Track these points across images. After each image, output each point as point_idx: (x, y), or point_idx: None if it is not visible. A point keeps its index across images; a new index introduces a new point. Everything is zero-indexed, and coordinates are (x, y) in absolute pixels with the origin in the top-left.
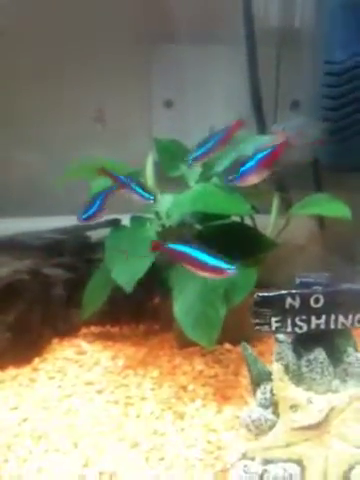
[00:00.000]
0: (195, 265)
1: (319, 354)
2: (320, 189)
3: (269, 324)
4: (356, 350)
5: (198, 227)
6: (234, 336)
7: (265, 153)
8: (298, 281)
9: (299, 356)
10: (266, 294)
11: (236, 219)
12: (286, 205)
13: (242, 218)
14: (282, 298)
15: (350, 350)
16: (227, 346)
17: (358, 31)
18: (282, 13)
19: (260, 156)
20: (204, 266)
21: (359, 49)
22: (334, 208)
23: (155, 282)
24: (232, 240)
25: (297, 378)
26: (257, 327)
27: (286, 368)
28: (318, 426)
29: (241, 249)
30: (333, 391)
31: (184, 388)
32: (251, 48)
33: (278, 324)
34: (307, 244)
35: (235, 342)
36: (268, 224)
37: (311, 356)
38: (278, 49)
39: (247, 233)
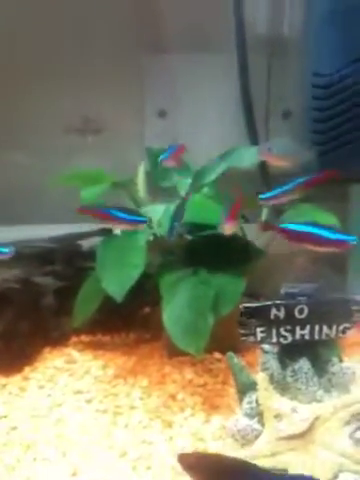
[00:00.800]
0: (313, 242)
1: (304, 364)
2: (308, 198)
3: (254, 335)
4: (340, 360)
5: (188, 237)
6: (224, 345)
7: (307, 178)
8: (283, 291)
9: (284, 366)
10: (251, 305)
11: None
12: (277, 214)
13: None
14: (267, 309)
15: (334, 360)
16: (217, 355)
17: (345, 43)
18: (273, 22)
19: (301, 180)
20: (324, 241)
21: (346, 61)
22: (321, 219)
23: (146, 291)
24: (221, 250)
25: (282, 388)
26: (243, 337)
27: (271, 378)
28: (303, 435)
29: (230, 259)
30: (317, 401)
31: (173, 397)
32: (242, 57)
33: (263, 334)
34: (297, 253)
35: (225, 351)
36: (258, 235)
37: (296, 366)
38: (270, 58)
39: (236, 243)
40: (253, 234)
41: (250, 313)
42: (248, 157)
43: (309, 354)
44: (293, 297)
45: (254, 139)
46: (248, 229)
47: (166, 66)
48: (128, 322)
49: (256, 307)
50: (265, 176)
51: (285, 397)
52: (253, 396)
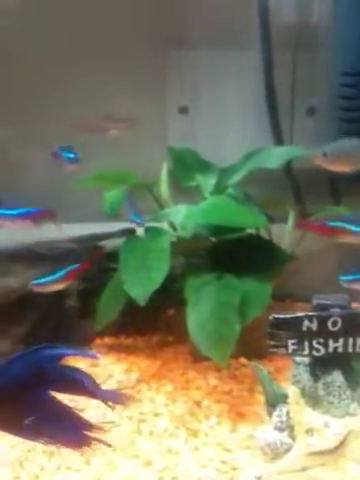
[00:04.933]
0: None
1: (337, 377)
2: (338, 201)
3: (285, 346)
4: None
5: (212, 239)
6: (250, 350)
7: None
8: (315, 303)
9: (316, 379)
10: (282, 316)
11: (251, 231)
12: (303, 215)
13: (258, 229)
14: (299, 321)
15: None
16: (242, 361)
17: None
18: (299, 17)
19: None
20: None
21: None
22: None
23: (170, 292)
24: (247, 253)
25: (314, 401)
26: (273, 349)
27: (303, 391)
28: (335, 450)
29: (256, 262)
30: (351, 414)
31: (198, 404)
32: (267, 54)
33: (295, 347)
34: (324, 254)
35: (251, 357)
36: (284, 236)
37: (328, 379)
38: (295, 54)
39: (262, 246)
40: (280, 235)
41: (280, 324)
42: (274, 157)
43: (342, 367)
44: (325, 308)
45: (278, 137)
46: (274, 230)
47: (188, 62)
48: (152, 324)
49: (287, 319)
50: (291, 176)
51: (317, 411)
52: (283, 409)
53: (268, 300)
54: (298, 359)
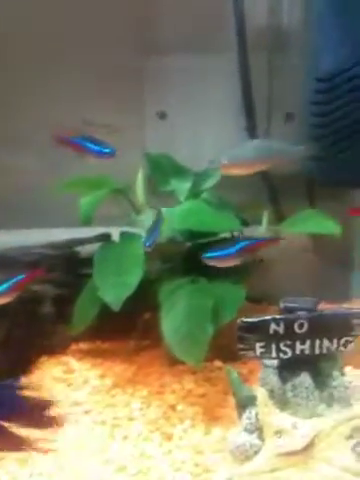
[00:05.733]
0: None
1: (304, 379)
2: (313, 203)
3: (254, 349)
4: (342, 374)
5: (188, 243)
6: (225, 353)
7: (249, 242)
8: (283, 306)
9: (284, 381)
10: (250, 320)
11: (226, 234)
12: (279, 218)
13: (232, 233)
14: (266, 324)
15: (336, 374)
16: (217, 363)
17: (346, 45)
18: (274, 21)
19: (243, 244)
20: None
21: (347, 66)
22: (324, 225)
23: (146, 297)
24: None
25: (282, 403)
26: (242, 352)
27: (271, 393)
28: (303, 451)
29: (228, 267)
30: (319, 415)
31: (173, 408)
32: (243, 58)
33: (262, 349)
34: (298, 256)
35: (226, 359)
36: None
37: (296, 381)
38: (271, 58)
39: None
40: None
41: (248, 328)
42: None
43: (310, 368)
44: (292, 311)
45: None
46: (250, 233)
47: (167, 67)
48: (128, 328)
49: (254, 322)
50: (267, 180)
51: (285, 412)
52: (253, 411)
53: (241, 303)
54: (267, 362)
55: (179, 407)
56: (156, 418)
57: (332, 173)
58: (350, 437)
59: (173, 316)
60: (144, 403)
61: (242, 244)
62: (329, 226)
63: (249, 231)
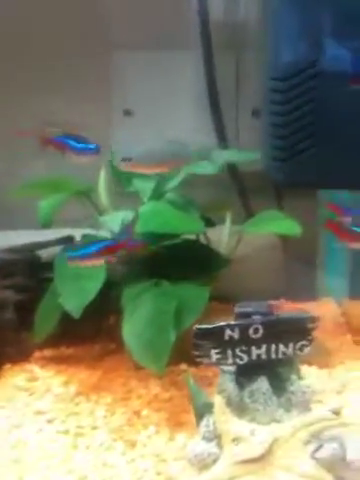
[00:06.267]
0: None
1: (261, 384)
2: (281, 201)
3: (209, 356)
4: (300, 378)
5: (151, 247)
6: (191, 356)
7: (110, 243)
8: (237, 311)
9: (242, 387)
10: (205, 326)
11: (191, 236)
12: (249, 217)
13: (197, 234)
14: (221, 330)
15: (293, 379)
16: (183, 366)
17: (301, 47)
18: (239, 15)
19: (105, 244)
20: None
21: (304, 65)
22: (285, 225)
23: (110, 299)
24: (184, 259)
25: (240, 409)
26: (198, 359)
27: (228, 400)
28: (261, 458)
29: (193, 268)
30: (277, 421)
31: (137, 414)
32: (207, 53)
33: (218, 356)
34: (270, 253)
35: (191, 362)
36: (220, 240)
37: (253, 387)
38: (238, 53)
39: (199, 251)
40: (218, 239)
41: (203, 335)
42: (212, 162)
43: (267, 374)
44: (247, 316)
45: (222, 139)
46: (212, 234)
47: (132, 64)
48: (94, 332)
49: (209, 328)
50: (236, 179)
51: (243, 419)
52: (211, 419)
53: (205, 305)
54: (225, 368)
55: (144, 413)
56: (120, 425)
57: (293, 174)
58: (309, 443)
59: (135, 321)
60: (108, 410)
61: (103, 244)
62: (290, 226)
63: (214, 231)
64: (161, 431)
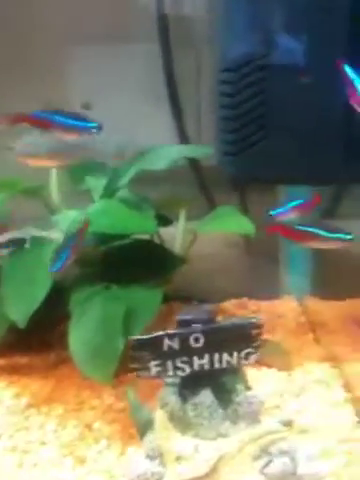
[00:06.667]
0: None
1: (205, 397)
2: (243, 197)
3: (148, 369)
4: (246, 388)
5: (102, 248)
6: None
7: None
8: (177, 319)
9: (185, 400)
10: (141, 337)
11: (144, 235)
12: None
13: (152, 234)
14: (159, 340)
15: (239, 389)
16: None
17: (256, 34)
18: (200, 8)
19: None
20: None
21: (253, 56)
22: (239, 223)
23: (62, 305)
24: (137, 260)
25: (184, 425)
26: (137, 373)
27: (171, 414)
28: (207, 477)
29: (147, 269)
30: (223, 435)
31: (89, 427)
32: (165, 47)
33: (158, 368)
34: (231, 250)
35: None
36: (175, 239)
37: (197, 400)
38: (197, 48)
39: (153, 251)
40: (172, 238)
41: (141, 346)
42: (162, 158)
43: (211, 385)
44: (188, 324)
45: (182, 134)
46: (166, 234)
47: (90, 57)
48: (48, 339)
49: (147, 339)
50: (199, 175)
51: (187, 435)
52: (153, 436)
53: (156, 310)
54: (169, 380)
55: (96, 425)
56: (71, 440)
57: (245, 168)
58: (258, 458)
59: (81, 327)
60: (59, 424)
61: (68, 249)
62: (243, 225)
63: (168, 231)
64: (113, 445)
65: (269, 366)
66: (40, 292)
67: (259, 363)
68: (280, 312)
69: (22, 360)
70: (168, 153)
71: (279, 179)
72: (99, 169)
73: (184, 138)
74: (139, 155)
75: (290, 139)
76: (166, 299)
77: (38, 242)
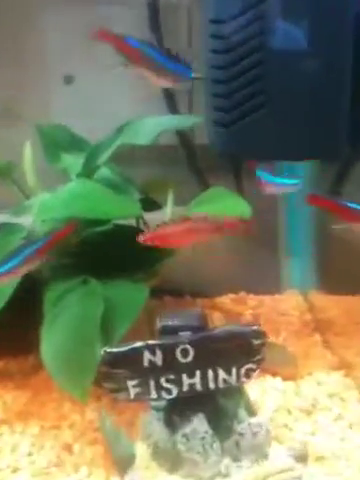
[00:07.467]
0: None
1: (199, 425)
2: (239, 179)
3: (126, 390)
4: (250, 412)
5: (79, 235)
6: None
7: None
8: (160, 326)
9: (174, 429)
10: (116, 350)
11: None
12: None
13: (137, 219)
14: (137, 353)
15: (241, 414)
16: None
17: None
18: None
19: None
20: None
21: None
22: (234, 205)
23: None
24: (120, 249)
25: (172, 461)
26: (112, 394)
27: (155, 448)
28: None
29: (131, 260)
30: (223, 476)
31: (69, 448)
32: (153, 9)
33: (138, 389)
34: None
35: None
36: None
37: (187, 429)
38: (189, 10)
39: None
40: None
41: (115, 362)
42: (147, 131)
43: (206, 410)
44: (173, 332)
45: (171, 105)
46: (152, 220)
47: (73, 21)
48: (29, 339)
49: (122, 352)
50: (189, 150)
51: (177, 474)
52: (135, 476)
53: (140, 309)
54: (153, 403)
55: (76, 447)
56: (47, 465)
57: (238, 141)
58: None
59: (54, 333)
60: (35, 445)
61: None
62: (238, 206)
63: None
64: (94, 472)
65: (274, 374)
66: (7, 288)
67: (262, 371)
68: (283, 309)
69: None
70: (154, 125)
71: (279, 154)
72: (78, 145)
73: (173, 111)
74: (121, 128)
75: (293, 107)
76: (153, 294)
77: (8, 230)
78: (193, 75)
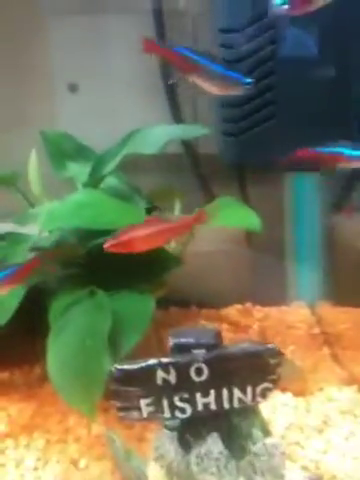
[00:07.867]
0: None
1: (213, 446)
2: (244, 187)
3: (138, 409)
4: (265, 433)
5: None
6: None
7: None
8: (173, 343)
9: (187, 450)
10: (127, 367)
11: None
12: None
13: None
14: (151, 371)
15: (256, 434)
16: None
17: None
18: None
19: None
20: None
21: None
22: (242, 217)
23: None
24: (126, 260)
25: None
26: (121, 413)
27: (168, 469)
28: None
29: (138, 270)
30: None
31: (75, 464)
32: (158, 17)
33: (150, 408)
34: (231, 249)
35: None
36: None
37: (202, 449)
38: (194, 18)
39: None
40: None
41: (126, 379)
42: (154, 141)
43: (220, 429)
44: (187, 350)
45: (176, 113)
46: None
47: (78, 31)
48: (32, 353)
49: (134, 370)
50: (195, 164)
51: None
52: None
53: (149, 319)
54: (166, 422)
55: (82, 463)
56: None
57: (247, 152)
58: None
59: (60, 345)
60: (40, 459)
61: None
62: (249, 219)
63: None
64: None
65: (283, 390)
66: (14, 299)
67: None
68: (290, 321)
69: (2, 376)
70: (160, 135)
71: (290, 165)
72: (84, 154)
73: (178, 120)
74: (127, 137)
75: (304, 117)
76: (159, 305)
77: (13, 240)
78: (248, 81)
